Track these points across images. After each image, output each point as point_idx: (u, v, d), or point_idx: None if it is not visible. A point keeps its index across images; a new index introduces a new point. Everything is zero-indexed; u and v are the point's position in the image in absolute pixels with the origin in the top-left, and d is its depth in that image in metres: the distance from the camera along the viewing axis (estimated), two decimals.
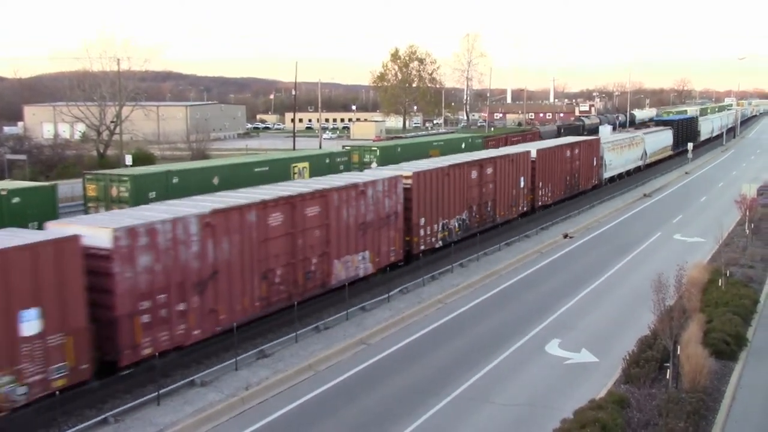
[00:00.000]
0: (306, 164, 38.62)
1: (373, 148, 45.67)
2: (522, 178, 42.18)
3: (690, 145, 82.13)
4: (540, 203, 46.07)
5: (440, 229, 33.39)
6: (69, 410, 17.48)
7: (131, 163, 73.30)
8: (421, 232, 31.88)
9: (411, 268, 31.12)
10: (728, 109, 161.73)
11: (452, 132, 77.71)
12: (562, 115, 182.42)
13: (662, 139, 78.57)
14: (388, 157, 45.12)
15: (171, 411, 18.18)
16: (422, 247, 32.04)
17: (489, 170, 37.59)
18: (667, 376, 18.80)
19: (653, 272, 22.08)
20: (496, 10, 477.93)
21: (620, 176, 64.42)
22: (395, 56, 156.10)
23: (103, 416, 17.63)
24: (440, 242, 33.53)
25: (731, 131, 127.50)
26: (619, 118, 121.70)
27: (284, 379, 20.37)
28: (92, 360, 17.80)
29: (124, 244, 18.38)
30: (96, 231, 18.29)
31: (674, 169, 74.96)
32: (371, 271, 28.53)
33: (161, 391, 18.74)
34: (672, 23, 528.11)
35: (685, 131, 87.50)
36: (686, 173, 72.86)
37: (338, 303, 26.30)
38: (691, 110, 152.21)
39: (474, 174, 36.40)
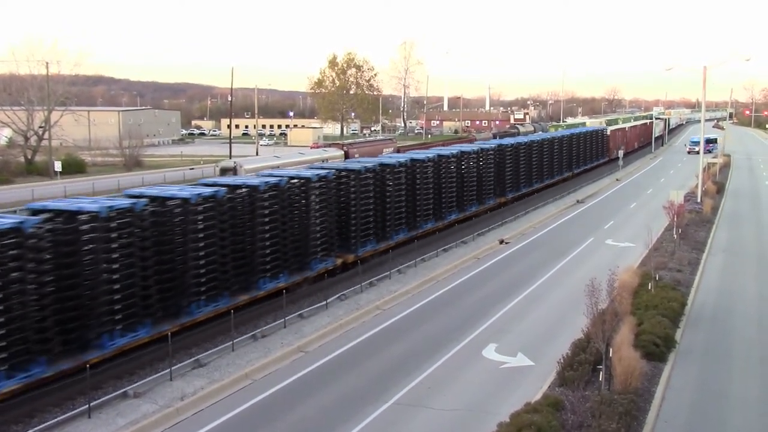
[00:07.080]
0: None
1: None
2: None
3: (621, 153, 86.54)
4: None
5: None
6: None
7: (60, 170, 71.11)
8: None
9: (349, 274, 31.12)
10: (660, 116, 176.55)
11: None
12: (497, 122, 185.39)
13: (661, 125, 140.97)
14: None
15: (102, 424, 17.69)
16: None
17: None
18: (600, 378, 19.20)
19: (586, 277, 22.54)
20: (432, 19, 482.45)
21: (660, 136, 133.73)
22: (333, 63, 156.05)
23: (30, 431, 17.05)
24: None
25: (659, 139, 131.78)
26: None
27: (220, 388, 20.06)
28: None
29: (613, 132, 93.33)
30: (598, 126, 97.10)
31: (605, 176, 76.92)
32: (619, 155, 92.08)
33: (92, 404, 18.22)
34: (603, 34, 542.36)
35: (664, 123, 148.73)
36: (617, 180, 74.82)
37: (275, 311, 26.08)
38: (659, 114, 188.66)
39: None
